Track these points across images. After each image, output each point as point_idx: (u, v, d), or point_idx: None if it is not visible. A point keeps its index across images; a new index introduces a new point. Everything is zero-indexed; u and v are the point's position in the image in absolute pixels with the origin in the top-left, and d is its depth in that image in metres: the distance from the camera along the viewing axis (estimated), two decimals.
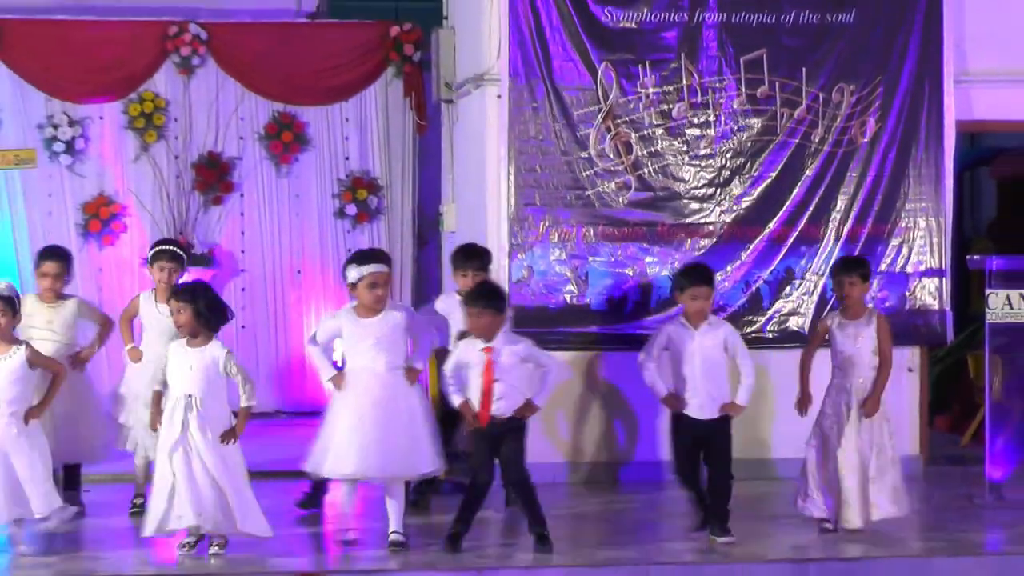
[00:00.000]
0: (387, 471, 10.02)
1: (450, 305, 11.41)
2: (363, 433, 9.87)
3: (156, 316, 10.65)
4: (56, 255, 11.58)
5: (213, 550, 9.73)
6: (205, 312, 9.60)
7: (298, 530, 10.65)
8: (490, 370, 9.85)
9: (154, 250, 11.50)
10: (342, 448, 9.88)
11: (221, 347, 9.69)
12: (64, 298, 11.32)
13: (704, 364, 10.24)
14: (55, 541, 10.02)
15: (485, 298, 10.09)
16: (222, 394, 9.66)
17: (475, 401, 9.99)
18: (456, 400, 10.10)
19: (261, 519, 9.76)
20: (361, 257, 10.46)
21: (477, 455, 10.15)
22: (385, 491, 10.14)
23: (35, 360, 9.80)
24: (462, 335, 10.98)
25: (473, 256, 11.59)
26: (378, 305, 10.01)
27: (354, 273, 10.10)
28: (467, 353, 10.05)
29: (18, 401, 9.63)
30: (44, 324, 10.97)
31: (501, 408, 9.85)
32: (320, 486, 10.95)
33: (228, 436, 9.59)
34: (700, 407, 10.20)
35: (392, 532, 9.95)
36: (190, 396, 9.49)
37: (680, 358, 10.28)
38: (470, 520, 10.00)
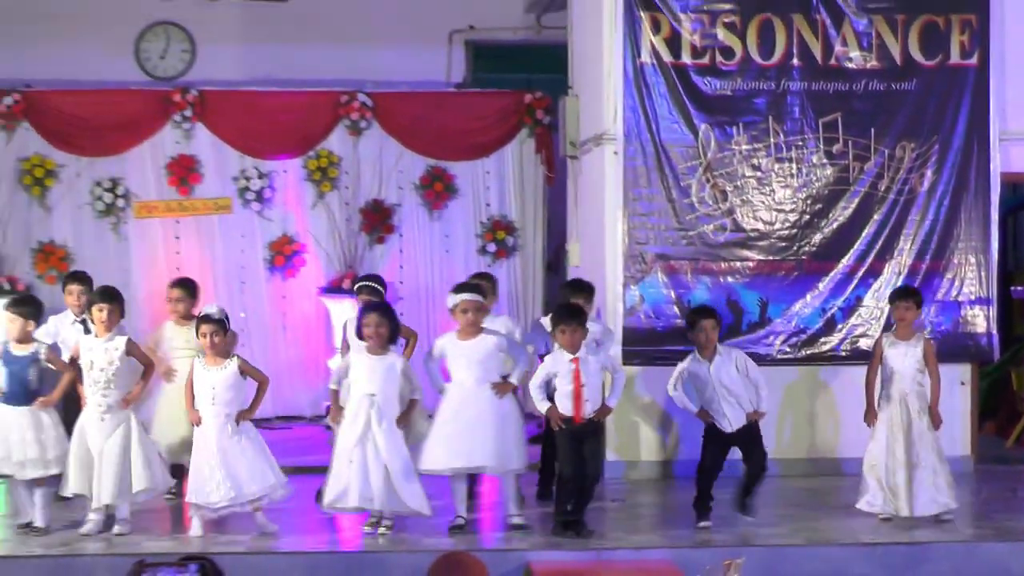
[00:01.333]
0: (475, 464, 10.58)
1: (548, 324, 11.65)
2: (455, 436, 10.46)
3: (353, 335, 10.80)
4: (183, 285, 12.18)
5: (382, 530, 10.33)
6: (393, 328, 10.41)
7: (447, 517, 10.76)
8: (578, 377, 10.33)
9: (359, 284, 12.21)
10: (438, 447, 10.49)
11: (398, 356, 10.44)
12: (189, 319, 11.66)
13: (722, 388, 10.76)
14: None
15: (576, 318, 10.53)
16: (396, 393, 10.31)
17: (567, 404, 10.39)
18: (543, 406, 10.51)
19: (424, 499, 10.27)
20: (458, 288, 11.05)
21: (566, 452, 10.51)
22: (502, 481, 10.79)
23: (245, 369, 10.50)
24: None
25: (580, 287, 11.95)
26: (470, 328, 10.56)
27: (451, 300, 10.75)
28: (556, 364, 10.49)
29: (232, 404, 10.33)
30: (183, 344, 11.52)
31: (586, 409, 10.37)
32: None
33: (402, 420, 10.24)
34: (728, 423, 10.74)
35: (512, 514, 10.66)
36: (372, 395, 10.15)
37: (703, 385, 10.83)
38: (584, 508, 10.51)
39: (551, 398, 10.45)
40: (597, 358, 10.62)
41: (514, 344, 10.97)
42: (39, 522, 10.46)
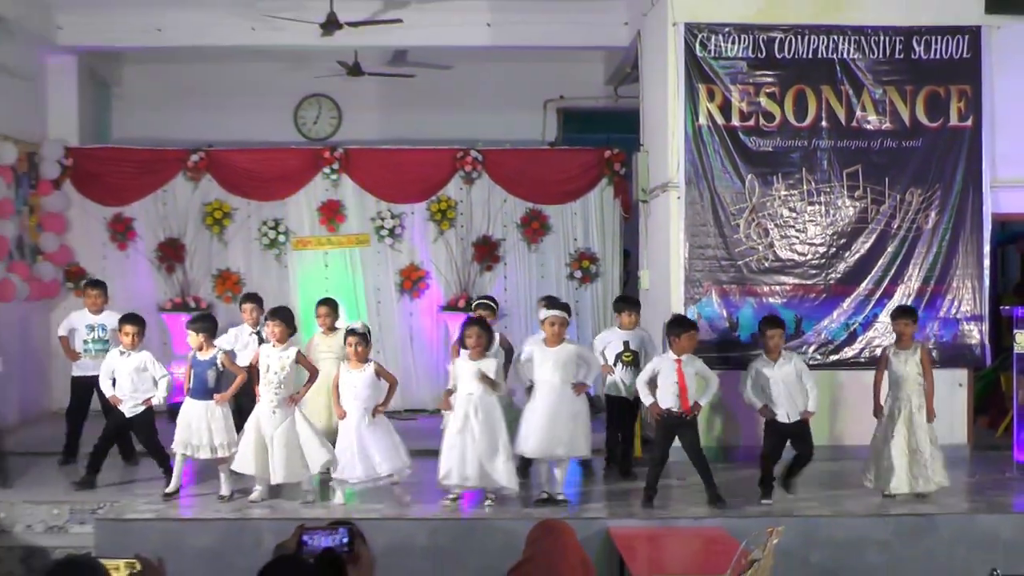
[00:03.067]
0: (554, 452, 10.64)
1: (610, 335, 12.10)
2: (540, 427, 10.55)
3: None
4: (328, 303, 12.52)
5: (488, 502, 10.47)
6: (489, 339, 10.71)
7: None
8: (682, 375, 10.60)
9: (478, 302, 12.59)
10: (531, 436, 10.59)
11: (493, 360, 10.55)
12: (335, 330, 12.14)
13: (783, 386, 10.91)
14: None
15: (685, 326, 10.84)
16: (490, 389, 10.42)
17: (669, 399, 10.58)
18: (648, 400, 10.75)
19: (513, 477, 10.43)
20: (548, 303, 11.33)
21: (660, 439, 10.75)
22: (555, 463, 10.73)
23: (380, 372, 10.69)
24: (617, 356, 11.84)
25: (630, 303, 12.24)
26: (554, 338, 10.69)
27: (542, 314, 11.02)
28: (661, 364, 10.73)
29: (370, 400, 10.53)
30: (326, 349, 11.86)
31: (687, 403, 10.57)
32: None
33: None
34: (786, 415, 10.89)
35: (554, 489, 10.63)
36: (471, 393, 10.35)
37: (767, 383, 10.95)
38: (656, 485, 10.66)
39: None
40: (694, 364, 10.75)
41: (587, 353, 11.08)
42: (224, 491, 10.80)
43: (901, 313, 11.37)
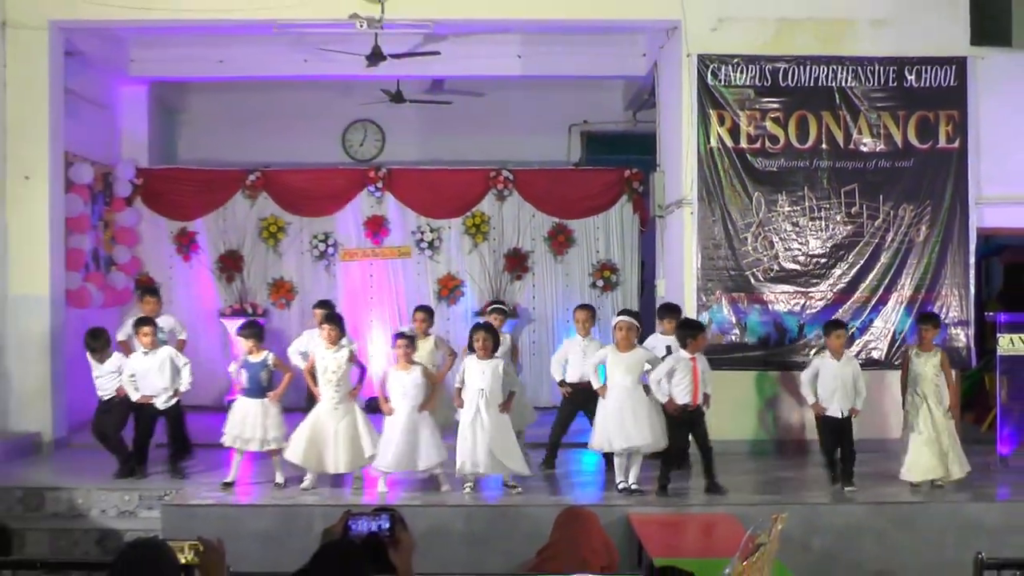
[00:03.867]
0: (632, 446, 10.59)
1: (654, 340, 11.78)
2: (620, 425, 10.54)
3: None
4: (423, 308, 12.46)
5: (517, 490, 10.51)
6: (495, 342, 10.63)
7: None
8: (696, 373, 10.62)
9: (492, 306, 12.66)
10: (607, 432, 10.60)
11: (499, 360, 10.55)
12: (428, 335, 12.08)
13: (840, 382, 10.95)
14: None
15: (700, 328, 11.02)
16: (499, 387, 10.45)
17: (684, 394, 10.58)
18: (663, 397, 10.66)
19: (522, 462, 10.47)
20: (621, 312, 11.55)
21: (678, 432, 10.71)
22: (630, 459, 10.65)
23: (426, 373, 10.69)
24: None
25: (672, 310, 12.07)
26: (624, 343, 10.65)
27: (614, 321, 11.06)
28: (677, 362, 10.66)
29: (416, 398, 10.52)
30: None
31: (700, 398, 10.64)
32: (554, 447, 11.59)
33: (504, 407, 10.47)
34: (838, 410, 10.94)
35: (632, 483, 10.63)
36: (482, 389, 10.37)
37: (827, 379, 10.97)
38: (669, 475, 10.71)
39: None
40: (702, 361, 10.72)
41: (656, 357, 10.93)
42: (279, 479, 10.83)
43: (926, 319, 11.34)
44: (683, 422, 10.71)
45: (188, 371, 11.36)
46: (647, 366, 10.74)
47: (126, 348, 12.20)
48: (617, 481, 10.73)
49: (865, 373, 11.69)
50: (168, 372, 11.30)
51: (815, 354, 11.79)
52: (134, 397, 11.28)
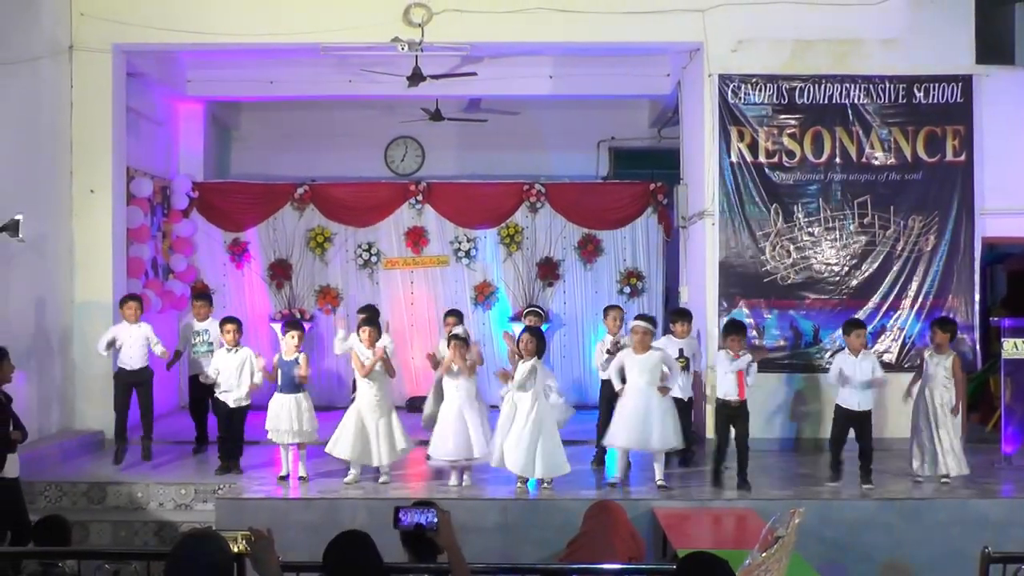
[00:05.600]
0: (647, 445, 10.56)
1: (666, 343, 11.61)
2: (630, 425, 10.49)
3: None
4: (453, 312, 12.41)
5: (545, 485, 10.33)
6: (541, 344, 10.52)
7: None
8: (741, 372, 10.60)
9: (528, 309, 12.60)
10: (620, 430, 10.58)
11: (537, 361, 10.32)
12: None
13: (860, 377, 10.79)
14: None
15: (739, 330, 10.88)
16: (539, 387, 10.32)
17: (730, 390, 10.58)
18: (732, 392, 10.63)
19: (563, 460, 10.33)
20: (637, 317, 11.25)
21: (721, 428, 10.80)
22: (654, 457, 10.68)
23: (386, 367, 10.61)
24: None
25: (683, 314, 12.05)
26: (639, 346, 10.60)
27: (631, 324, 11.02)
28: (721, 361, 10.68)
29: (468, 392, 10.56)
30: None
31: (744, 393, 10.60)
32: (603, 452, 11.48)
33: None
34: (857, 404, 10.80)
35: (659, 479, 10.59)
36: (521, 386, 10.27)
37: (848, 374, 10.81)
38: (720, 468, 10.73)
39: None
40: (747, 358, 10.68)
41: (669, 358, 10.83)
42: (302, 472, 10.81)
43: (942, 324, 11.19)
44: (725, 417, 10.69)
45: (260, 368, 11.20)
46: (664, 368, 10.63)
47: (177, 355, 12.37)
48: (610, 477, 10.74)
49: None
50: (244, 372, 11.26)
51: (834, 354, 11.71)
52: (210, 379, 11.33)
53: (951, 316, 12.45)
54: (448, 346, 10.83)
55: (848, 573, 9.75)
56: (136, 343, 11.68)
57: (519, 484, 10.42)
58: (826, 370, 11.78)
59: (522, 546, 9.76)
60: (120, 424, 11.67)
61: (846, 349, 11.06)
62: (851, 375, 10.78)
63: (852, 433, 11.00)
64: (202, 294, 13.06)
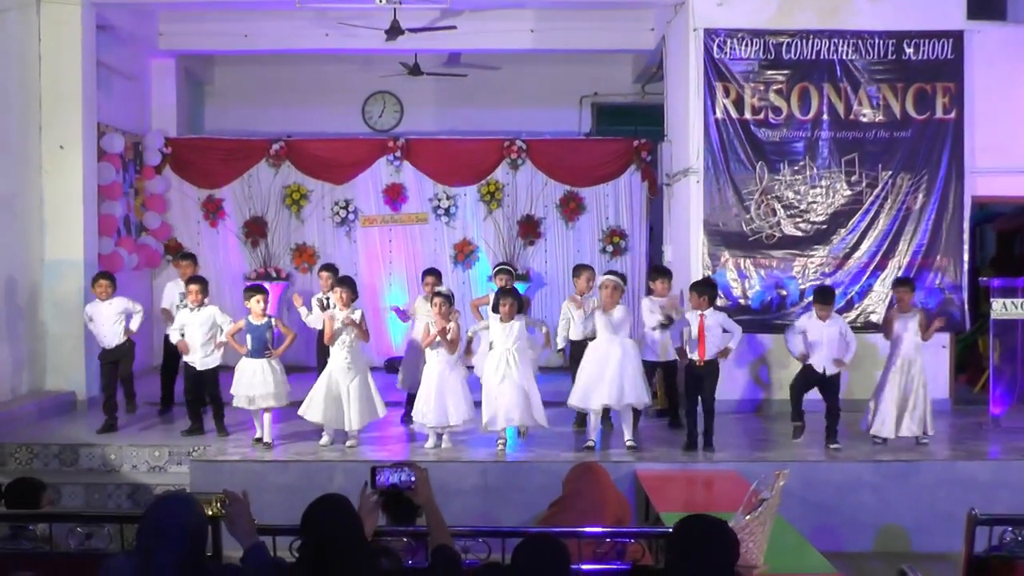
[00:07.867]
0: (619, 401, 10.53)
1: (648, 302, 11.71)
2: (594, 382, 10.48)
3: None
4: (432, 271, 12.05)
5: (520, 439, 10.63)
6: (519, 306, 10.61)
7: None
8: (702, 327, 10.48)
9: (498, 267, 12.33)
10: (583, 390, 10.57)
11: (520, 319, 10.49)
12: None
13: (826, 340, 10.81)
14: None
15: (706, 289, 10.76)
16: (524, 344, 10.46)
17: (692, 348, 10.48)
18: (675, 345, 10.76)
19: (544, 416, 10.47)
20: (606, 272, 11.11)
21: (689, 387, 10.71)
22: (621, 417, 10.69)
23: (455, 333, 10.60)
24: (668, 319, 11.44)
25: (662, 272, 12.13)
26: (609, 302, 10.52)
27: (597, 281, 11.08)
28: (690, 318, 10.60)
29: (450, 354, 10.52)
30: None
31: (707, 353, 10.47)
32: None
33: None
34: (820, 365, 10.82)
35: (628, 440, 10.54)
36: (508, 349, 10.40)
37: (815, 338, 10.86)
38: (694, 430, 10.61)
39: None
40: (716, 316, 10.62)
41: (633, 317, 10.86)
42: (266, 438, 10.73)
43: (901, 283, 11.34)
44: (692, 376, 10.64)
45: (229, 327, 11.11)
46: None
47: (167, 315, 12.20)
48: (586, 439, 10.66)
49: (863, 336, 11.72)
50: (209, 331, 11.20)
51: (800, 315, 11.66)
52: (175, 339, 11.23)
53: (910, 275, 12.59)
54: (431, 303, 10.78)
55: (839, 535, 9.79)
56: (108, 321, 11.62)
57: (499, 445, 10.45)
58: None
59: (503, 508, 9.77)
60: (108, 401, 11.64)
61: (812, 312, 11.08)
62: (817, 340, 10.83)
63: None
64: (187, 254, 12.92)
